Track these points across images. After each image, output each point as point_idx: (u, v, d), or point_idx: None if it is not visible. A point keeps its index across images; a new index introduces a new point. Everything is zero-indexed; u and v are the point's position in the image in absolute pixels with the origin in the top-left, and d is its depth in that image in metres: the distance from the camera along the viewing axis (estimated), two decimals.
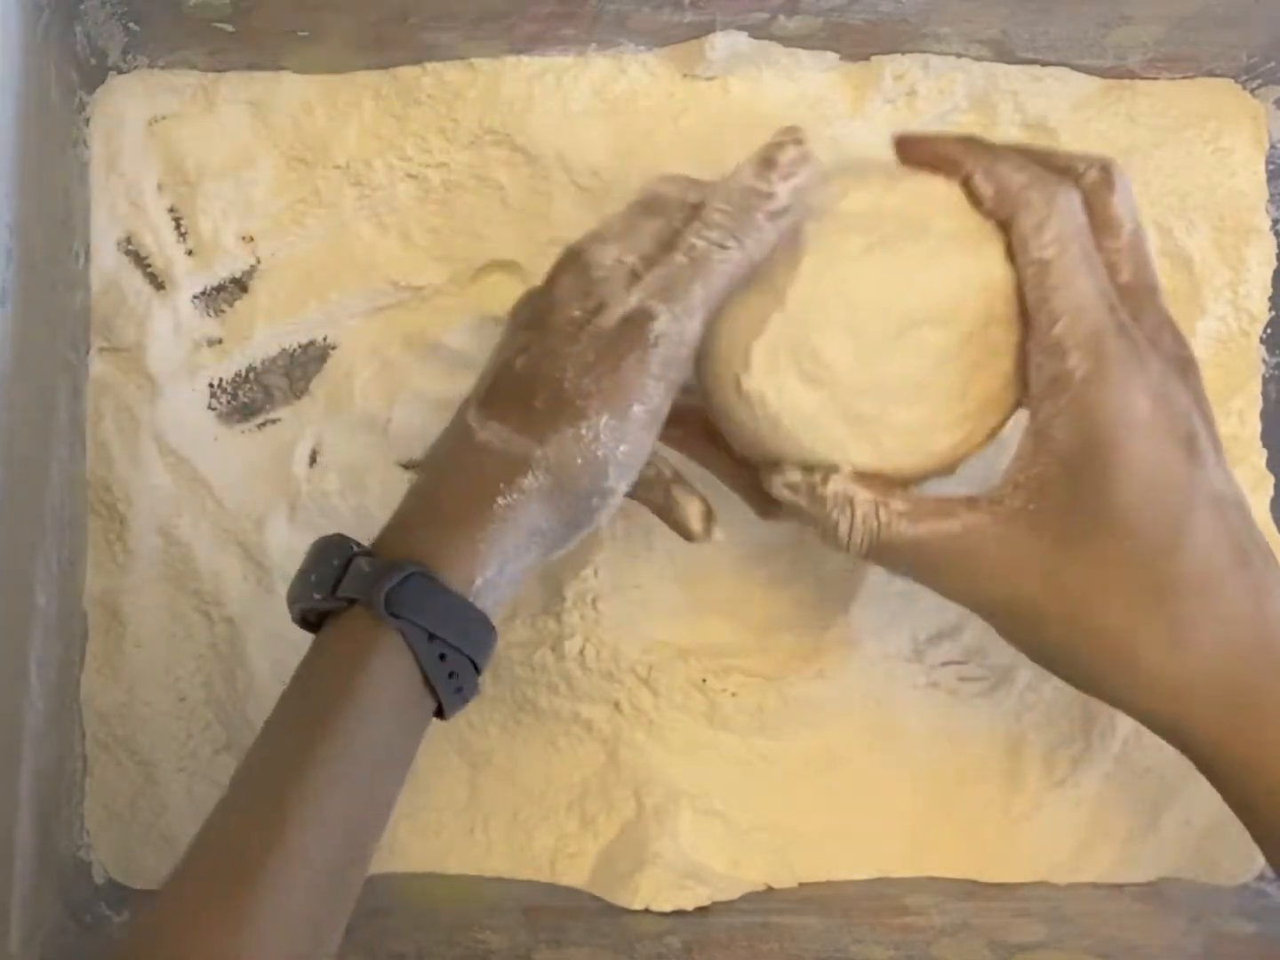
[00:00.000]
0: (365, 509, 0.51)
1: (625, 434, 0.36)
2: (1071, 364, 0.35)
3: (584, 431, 0.36)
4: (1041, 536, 0.36)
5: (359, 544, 0.37)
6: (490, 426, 0.37)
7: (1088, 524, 0.36)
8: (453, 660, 0.36)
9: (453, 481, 0.37)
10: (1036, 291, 0.36)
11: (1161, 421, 0.36)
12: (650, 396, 0.36)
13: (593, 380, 0.36)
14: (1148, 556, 0.36)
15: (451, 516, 0.37)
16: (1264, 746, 0.36)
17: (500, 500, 0.36)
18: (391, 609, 0.34)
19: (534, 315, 0.39)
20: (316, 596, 0.36)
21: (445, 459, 0.39)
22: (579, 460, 0.36)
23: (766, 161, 0.37)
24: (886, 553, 0.38)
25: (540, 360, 0.37)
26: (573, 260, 0.40)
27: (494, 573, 0.37)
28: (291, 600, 0.38)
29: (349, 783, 0.34)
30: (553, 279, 0.40)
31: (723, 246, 0.37)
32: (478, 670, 0.37)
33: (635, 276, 0.38)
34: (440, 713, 0.37)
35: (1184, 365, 0.38)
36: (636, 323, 0.36)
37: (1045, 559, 0.36)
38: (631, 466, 0.37)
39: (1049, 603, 0.36)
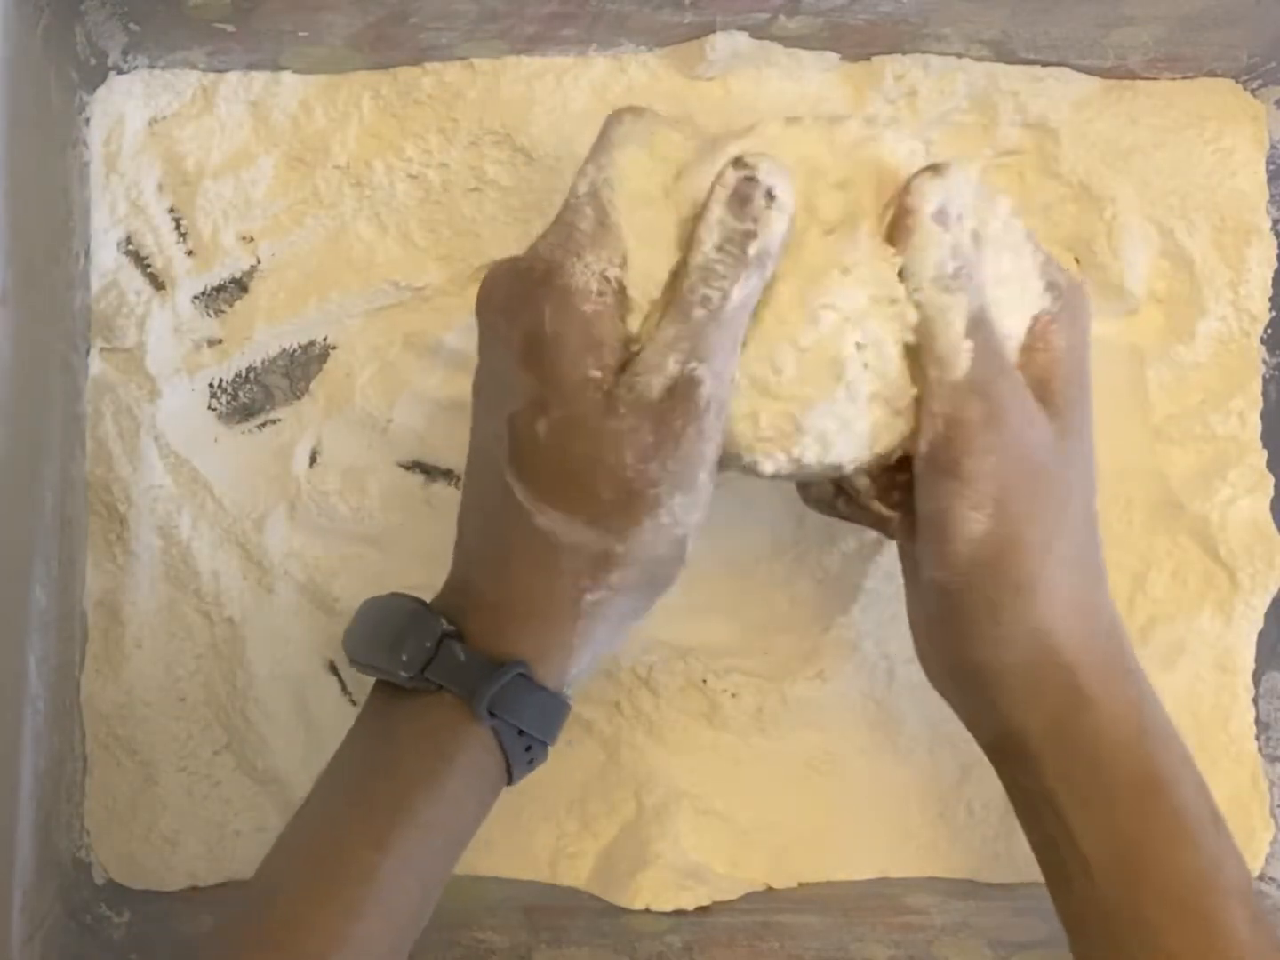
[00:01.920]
0: (365, 509, 0.51)
1: (696, 503, 0.36)
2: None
3: (662, 519, 0.35)
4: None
5: (443, 620, 0.36)
6: (551, 516, 0.35)
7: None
8: (535, 746, 0.37)
9: (531, 576, 0.36)
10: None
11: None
12: (710, 458, 0.35)
13: (659, 465, 0.34)
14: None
15: (541, 612, 0.36)
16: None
17: (589, 596, 0.36)
18: (490, 708, 0.35)
19: (528, 353, 0.35)
20: (404, 675, 0.35)
21: (507, 540, 0.37)
22: (661, 549, 0.36)
23: (741, 199, 0.34)
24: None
25: (575, 434, 0.35)
26: (547, 284, 0.36)
27: (587, 662, 0.38)
28: (362, 663, 0.37)
29: (425, 867, 0.35)
30: (531, 305, 0.36)
31: (730, 293, 0.35)
32: (549, 744, 0.38)
33: (627, 301, 0.36)
34: (509, 781, 0.38)
35: None
36: (685, 393, 0.34)
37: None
38: (701, 522, 0.36)
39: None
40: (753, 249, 0.34)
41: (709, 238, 0.34)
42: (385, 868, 0.33)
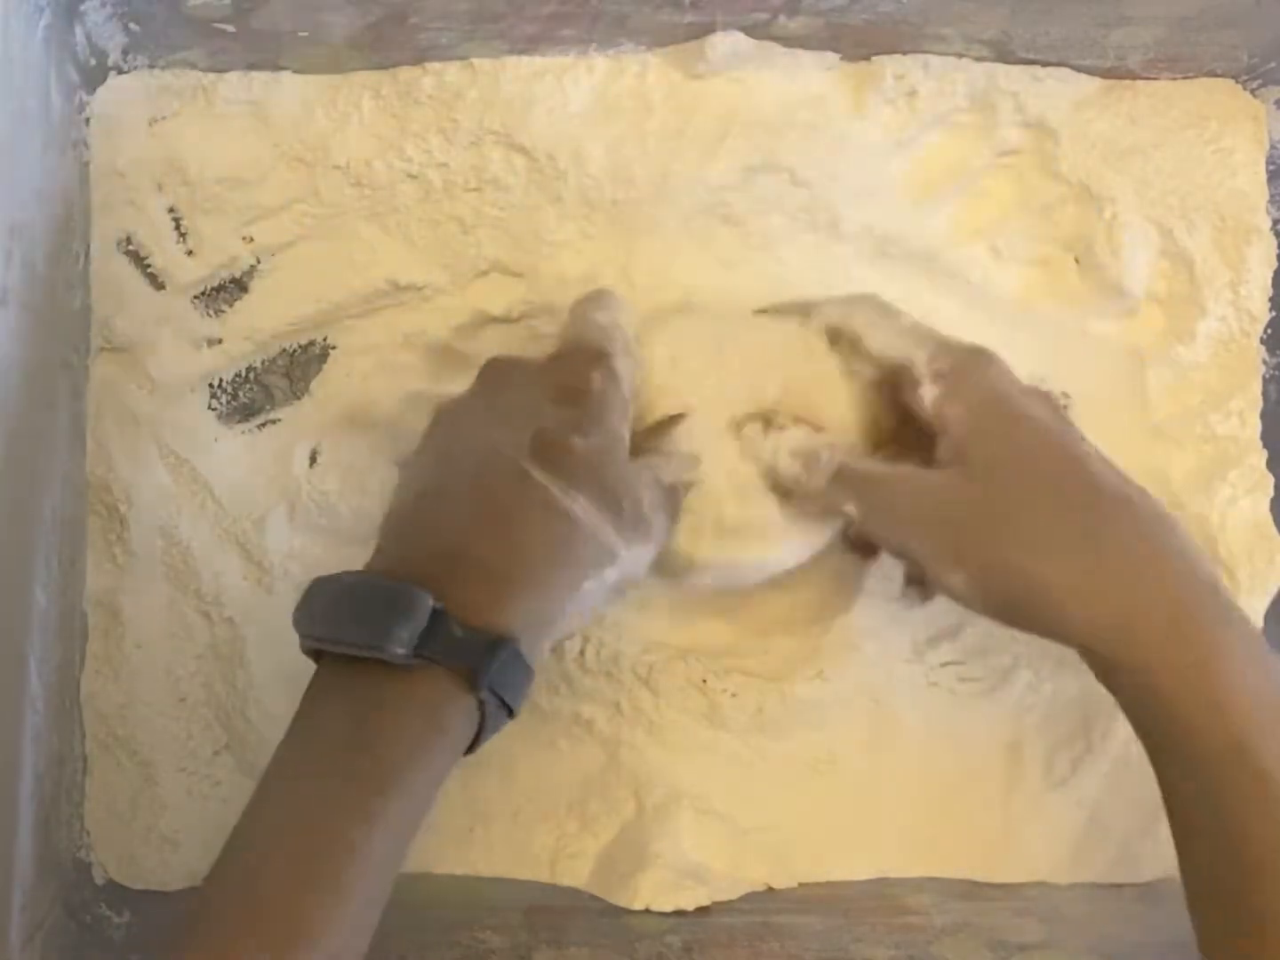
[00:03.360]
0: (365, 509, 0.51)
1: (671, 533, 0.44)
2: (939, 365, 0.44)
3: (653, 549, 0.42)
4: (969, 488, 0.42)
5: (429, 596, 0.36)
6: (582, 504, 0.39)
7: (1000, 471, 0.42)
8: (506, 717, 0.38)
9: (546, 551, 0.38)
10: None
11: (1020, 387, 0.44)
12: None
13: (664, 515, 0.43)
14: (1050, 493, 0.41)
15: (544, 586, 0.38)
16: (1178, 673, 0.39)
17: (586, 584, 0.39)
18: (487, 683, 0.36)
19: (567, 394, 0.42)
20: (400, 652, 0.35)
21: (523, 516, 0.39)
22: (643, 567, 0.42)
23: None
24: (840, 482, 0.44)
25: (610, 457, 0.41)
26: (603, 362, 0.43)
27: (560, 637, 0.41)
28: (334, 640, 0.36)
29: (404, 838, 0.35)
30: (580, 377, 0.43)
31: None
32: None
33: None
34: (472, 749, 0.38)
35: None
36: (677, 493, 0.44)
37: (973, 506, 0.42)
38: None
39: (968, 544, 0.42)
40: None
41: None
42: (373, 840, 0.33)
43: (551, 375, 0.43)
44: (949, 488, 0.42)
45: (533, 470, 0.39)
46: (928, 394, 0.44)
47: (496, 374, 0.44)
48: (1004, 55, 0.50)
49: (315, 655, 0.37)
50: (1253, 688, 0.38)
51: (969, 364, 0.44)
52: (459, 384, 0.51)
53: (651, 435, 0.45)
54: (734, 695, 0.51)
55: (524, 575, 0.38)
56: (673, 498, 0.44)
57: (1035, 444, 0.42)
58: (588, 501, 0.39)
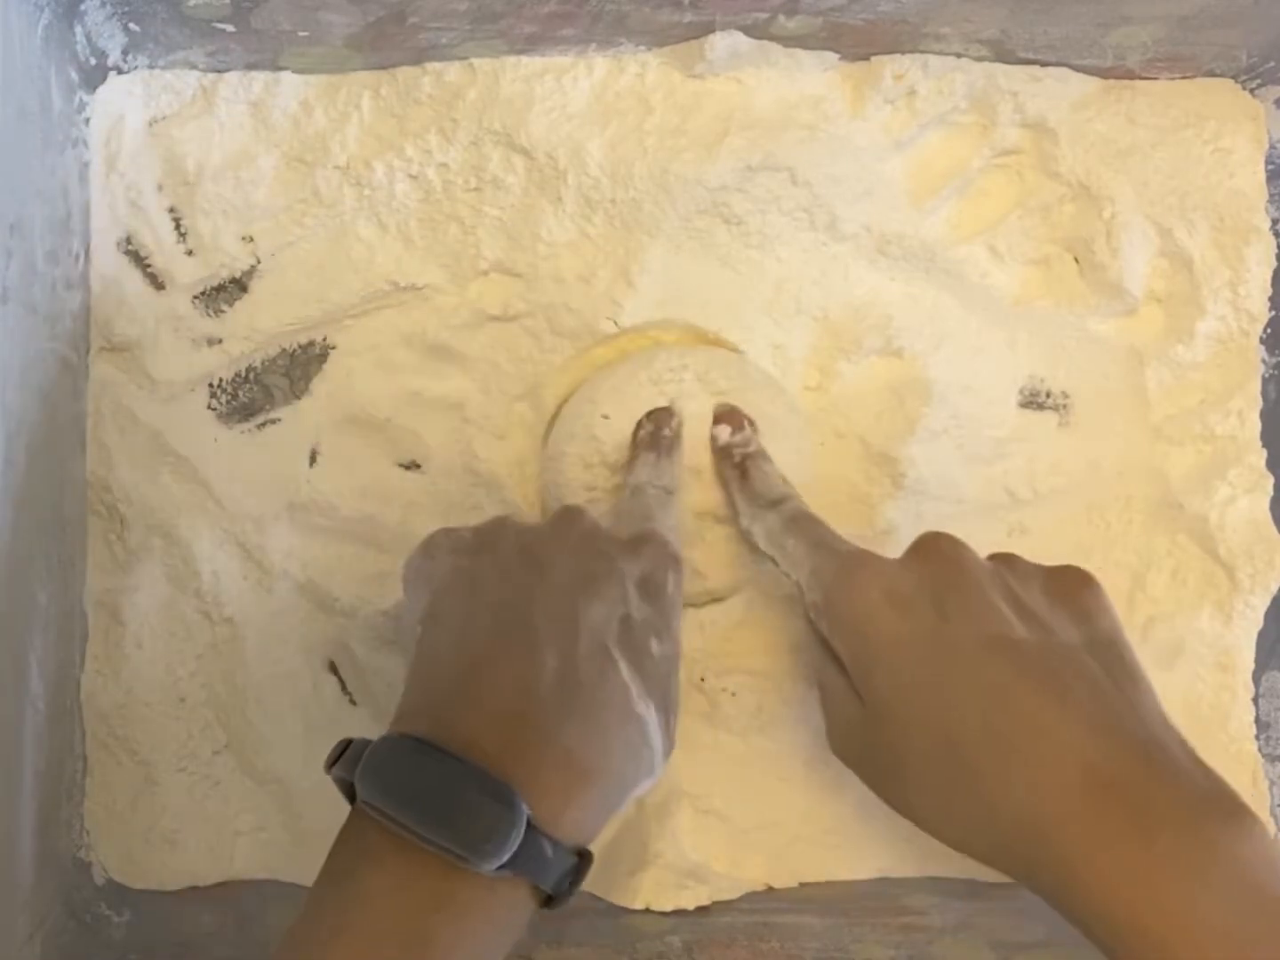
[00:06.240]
0: (365, 509, 0.51)
1: None
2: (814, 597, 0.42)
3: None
4: (865, 717, 0.40)
5: (522, 802, 0.33)
6: (651, 713, 0.37)
7: (881, 708, 0.39)
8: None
9: (623, 753, 0.36)
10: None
11: (897, 595, 0.39)
12: None
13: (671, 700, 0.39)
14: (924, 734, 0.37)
15: (613, 792, 0.36)
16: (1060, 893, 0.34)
17: (633, 794, 0.37)
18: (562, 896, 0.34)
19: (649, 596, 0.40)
20: (487, 867, 0.32)
21: (607, 713, 0.36)
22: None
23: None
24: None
25: (673, 668, 0.40)
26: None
27: None
28: (427, 836, 0.32)
29: None
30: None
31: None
32: None
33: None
34: None
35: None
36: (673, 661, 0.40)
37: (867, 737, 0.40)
38: None
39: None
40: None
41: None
42: None
43: (636, 562, 0.40)
44: (853, 716, 0.40)
45: (621, 663, 0.37)
46: (821, 627, 0.42)
47: (569, 524, 0.41)
48: (1003, 55, 0.50)
49: (350, 796, 0.34)
50: (1211, 915, 0.31)
51: (835, 594, 0.41)
52: (459, 384, 0.51)
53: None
54: (733, 694, 0.51)
55: (603, 779, 0.35)
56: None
57: (909, 681, 0.38)
58: (655, 711, 0.37)
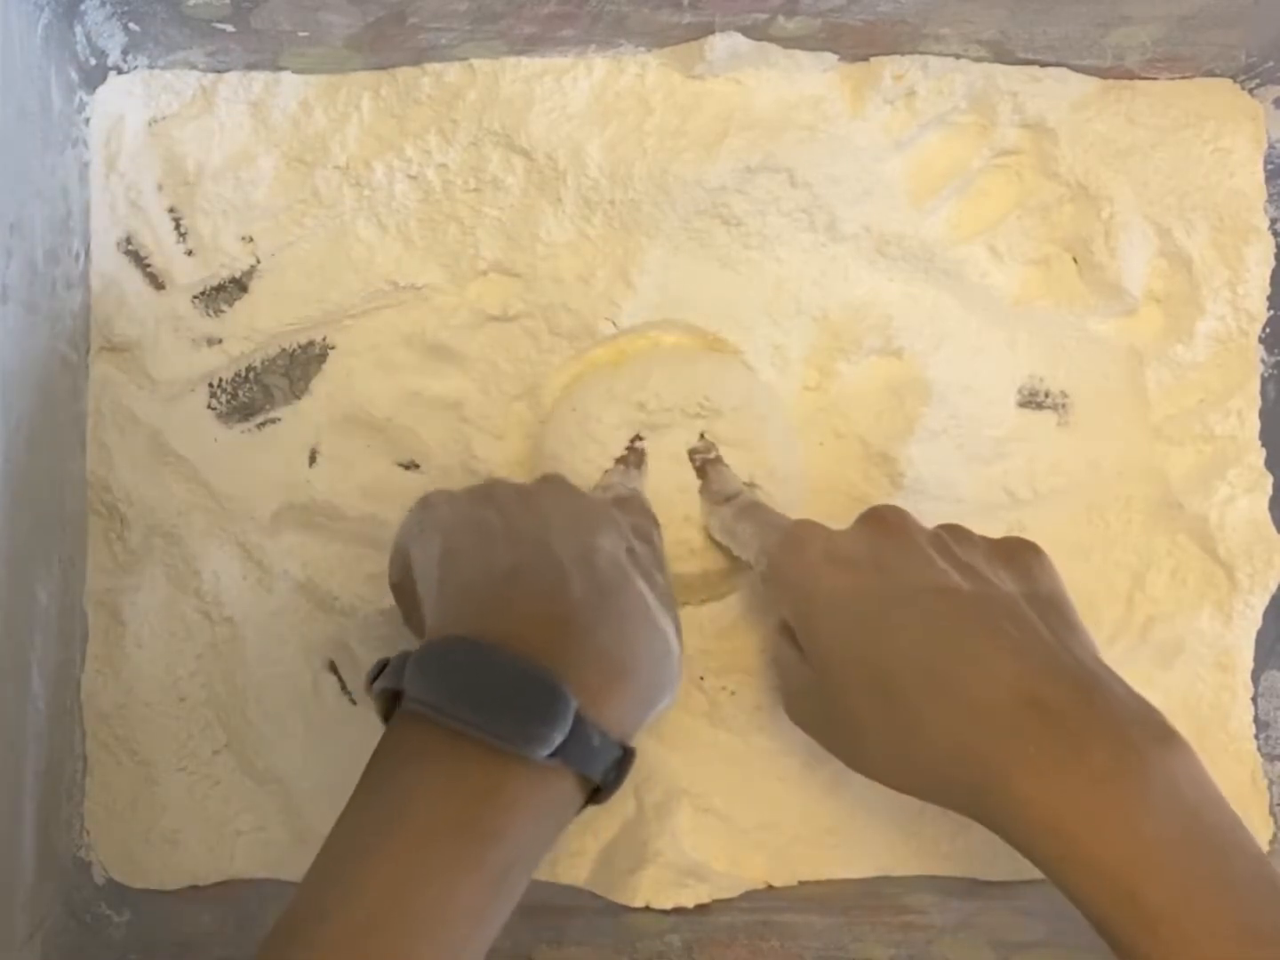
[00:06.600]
0: (365, 509, 0.51)
1: None
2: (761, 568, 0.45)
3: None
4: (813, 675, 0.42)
5: (571, 696, 0.34)
6: (672, 630, 0.39)
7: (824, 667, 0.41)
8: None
9: (652, 660, 0.38)
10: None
11: (840, 554, 0.42)
12: None
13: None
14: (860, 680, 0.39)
15: (649, 695, 0.38)
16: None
17: (661, 705, 0.39)
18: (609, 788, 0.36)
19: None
20: (541, 754, 0.33)
21: (635, 624, 0.38)
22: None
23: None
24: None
25: (674, 601, 0.42)
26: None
27: None
28: (480, 726, 0.33)
29: (498, 925, 0.33)
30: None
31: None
32: None
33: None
34: None
35: None
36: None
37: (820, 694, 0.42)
38: None
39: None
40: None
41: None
42: (476, 939, 0.32)
43: (624, 514, 0.43)
44: (804, 680, 0.42)
45: (637, 579, 0.39)
46: (770, 595, 0.44)
47: (560, 483, 0.44)
48: (1002, 55, 0.51)
49: (389, 711, 0.35)
50: (1144, 828, 0.33)
51: (778, 557, 0.43)
52: (459, 384, 0.51)
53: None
54: (733, 693, 0.51)
55: (638, 678, 0.37)
56: None
57: (849, 630, 0.40)
58: (671, 627, 0.39)
